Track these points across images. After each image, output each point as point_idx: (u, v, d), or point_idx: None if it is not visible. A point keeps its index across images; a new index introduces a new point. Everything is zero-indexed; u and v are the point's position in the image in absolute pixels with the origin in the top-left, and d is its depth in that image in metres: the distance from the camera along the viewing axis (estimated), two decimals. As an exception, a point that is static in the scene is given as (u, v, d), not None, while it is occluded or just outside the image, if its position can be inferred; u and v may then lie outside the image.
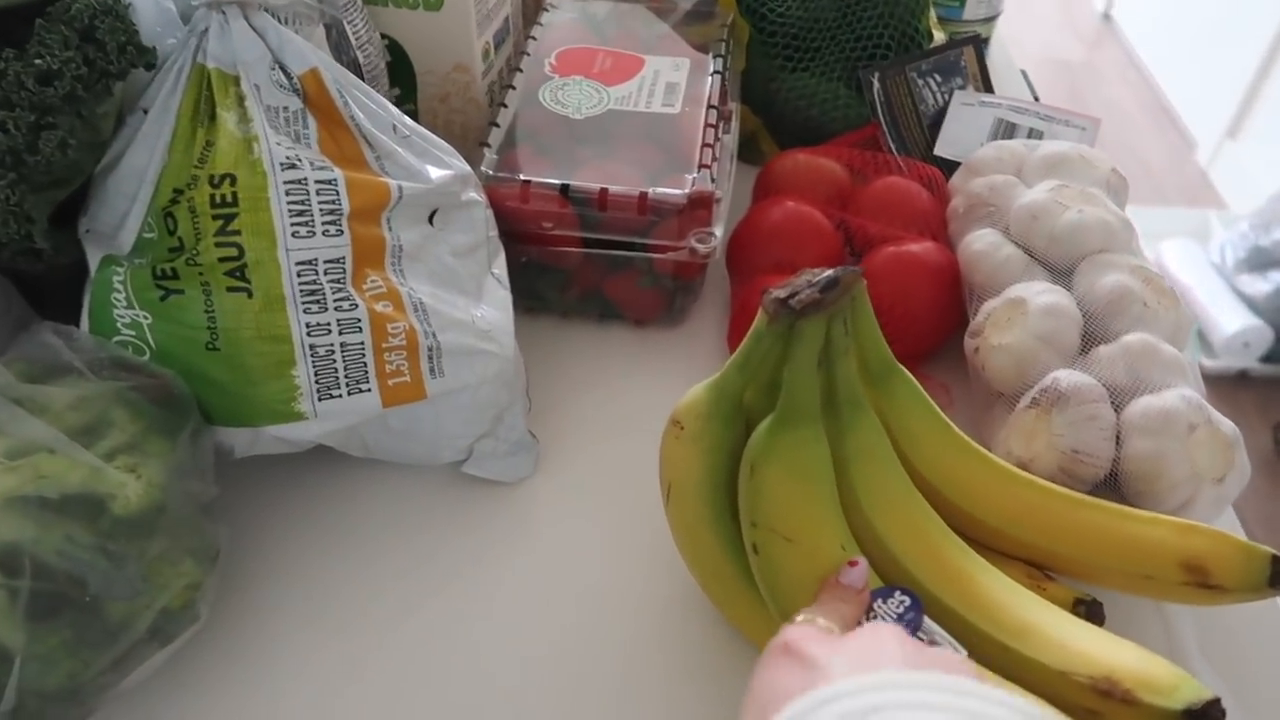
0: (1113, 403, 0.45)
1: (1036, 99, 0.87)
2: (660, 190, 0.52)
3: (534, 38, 0.65)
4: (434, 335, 0.44)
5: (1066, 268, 0.52)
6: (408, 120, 0.47)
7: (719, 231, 0.53)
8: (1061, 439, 0.44)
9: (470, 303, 0.47)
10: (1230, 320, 1.89)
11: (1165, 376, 0.45)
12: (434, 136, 0.48)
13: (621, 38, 0.67)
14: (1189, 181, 2.44)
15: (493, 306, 0.48)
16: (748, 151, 0.72)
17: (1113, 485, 0.44)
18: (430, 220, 0.46)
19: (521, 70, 0.61)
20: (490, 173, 0.54)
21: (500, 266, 0.50)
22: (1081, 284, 0.51)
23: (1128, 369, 0.45)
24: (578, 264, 0.56)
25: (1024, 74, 0.90)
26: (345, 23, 0.52)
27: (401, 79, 0.60)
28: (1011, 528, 0.40)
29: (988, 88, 0.70)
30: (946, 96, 0.69)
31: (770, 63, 0.69)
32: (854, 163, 0.64)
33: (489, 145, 0.55)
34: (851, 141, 0.68)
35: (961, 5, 0.81)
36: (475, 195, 0.49)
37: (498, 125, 0.57)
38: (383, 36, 0.58)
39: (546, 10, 0.68)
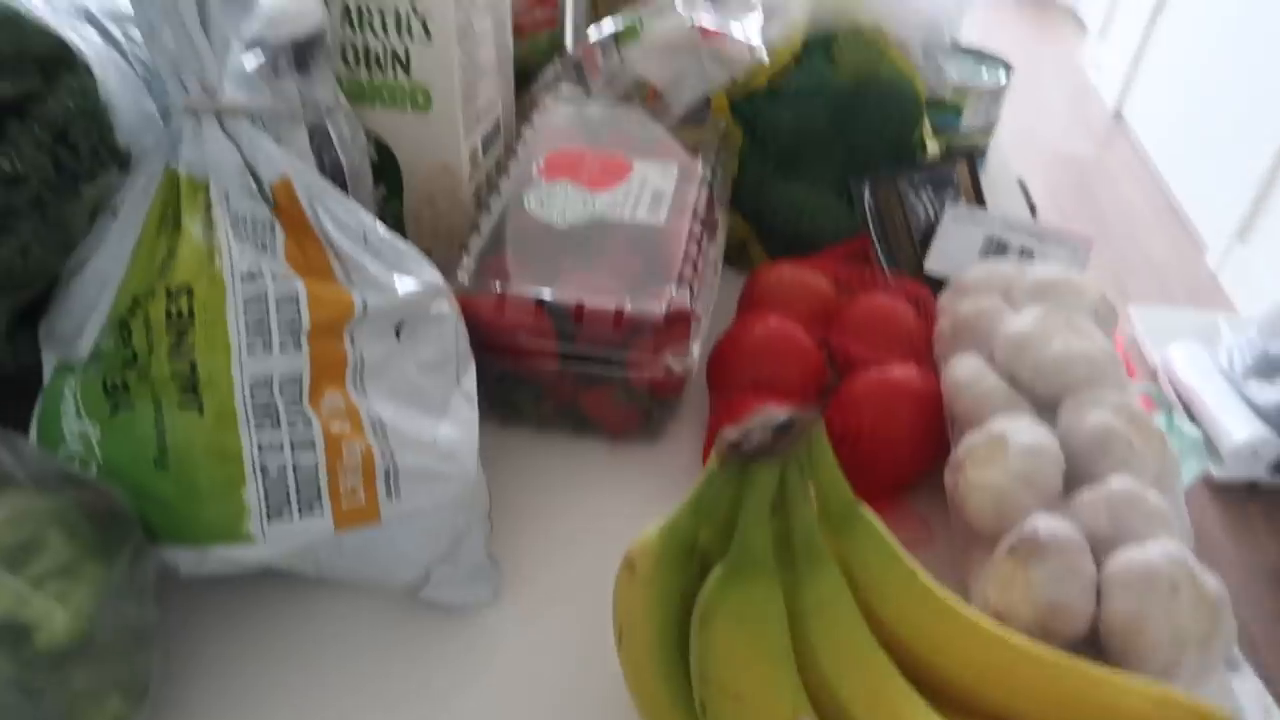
0: (1094, 553, 0.43)
1: (1034, 209, 0.87)
2: (637, 306, 0.52)
3: (524, 139, 0.65)
4: (392, 456, 0.43)
5: (1051, 401, 0.51)
6: (381, 229, 0.47)
7: (696, 350, 0.52)
8: (1039, 592, 0.42)
9: (433, 421, 0.45)
10: (1239, 429, 1.86)
11: (1149, 527, 0.43)
12: (407, 246, 0.47)
13: (615, 139, 0.67)
14: (1197, 283, 2.44)
15: (457, 425, 0.46)
16: (737, 258, 0.71)
17: (1093, 643, 0.42)
18: (397, 334, 0.45)
19: (508, 173, 0.61)
20: (466, 282, 0.53)
21: (469, 382, 0.49)
22: (1065, 421, 0.49)
23: (1110, 518, 0.44)
24: (553, 377, 0.55)
25: (1022, 184, 0.89)
26: (329, 124, 0.52)
27: (388, 178, 0.60)
28: (980, 687, 0.38)
29: (980, 202, 0.70)
30: (939, 210, 0.69)
31: (761, 171, 0.69)
32: (841, 277, 0.63)
33: (467, 251, 0.55)
34: (841, 253, 0.67)
35: (958, 116, 0.81)
36: (446, 308, 0.48)
37: (479, 231, 0.56)
38: (369, 136, 0.58)
39: (540, 111, 0.68)
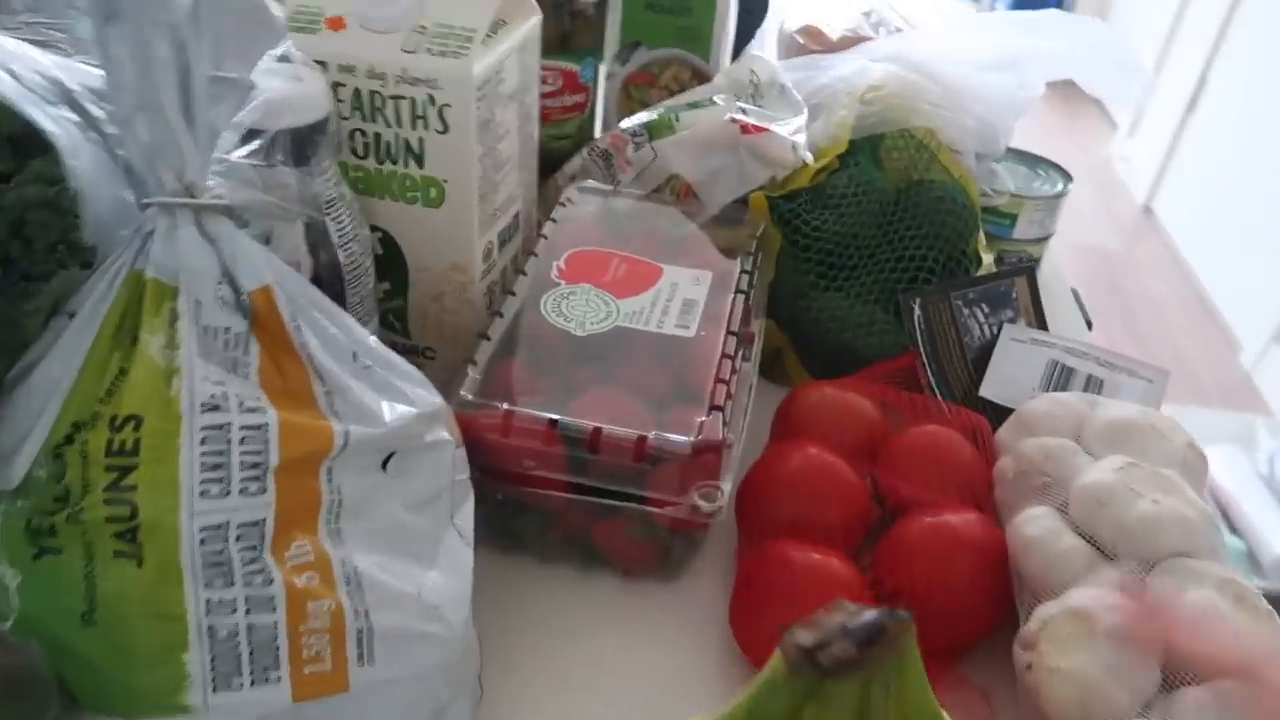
0: None
1: (1090, 323, 0.81)
2: (662, 436, 0.45)
3: (545, 236, 0.59)
4: (367, 614, 0.36)
5: (1138, 569, 0.44)
6: (373, 343, 0.41)
7: (727, 486, 0.46)
8: None
9: (420, 568, 0.39)
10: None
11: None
12: (403, 364, 0.42)
13: (642, 239, 0.62)
14: (1232, 383, 2.36)
15: (448, 571, 0.40)
16: (772, 370, 0.65)
17: None
18: (384, 466, 0.39)
19: (525, 273, 0.55)
20: (470, 397, 0.47)
21: (465, 516, 0.43)
22: (1160, 596, 0.42)
23: None
24: (562, 505, 0.48)
25: (1076, 296, 0.84)
26: (328, 220, 0.47)
27: (392, 274, 0.55)
28: None
29: (1040, 323, 0.64)
30: (995, 330, 0.62)
31: (801, 279, 0.64)
32: (889, 401, 0.57)
33: (474, 363, 0.49)
34: (886, 371, 0.61)
35: (1012, 224, 0.76)
36: (444, 434, 0.42)
37: (488, 338, 0.51)
38: (375, 229, 0.53)
39: (563, 205, 0.63)
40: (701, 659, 0.48)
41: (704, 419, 0.47)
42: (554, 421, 0.46)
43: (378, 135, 0.50)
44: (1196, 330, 2.54)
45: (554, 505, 0.48)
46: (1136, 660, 0.39)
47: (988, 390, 0.60)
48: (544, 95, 0.70)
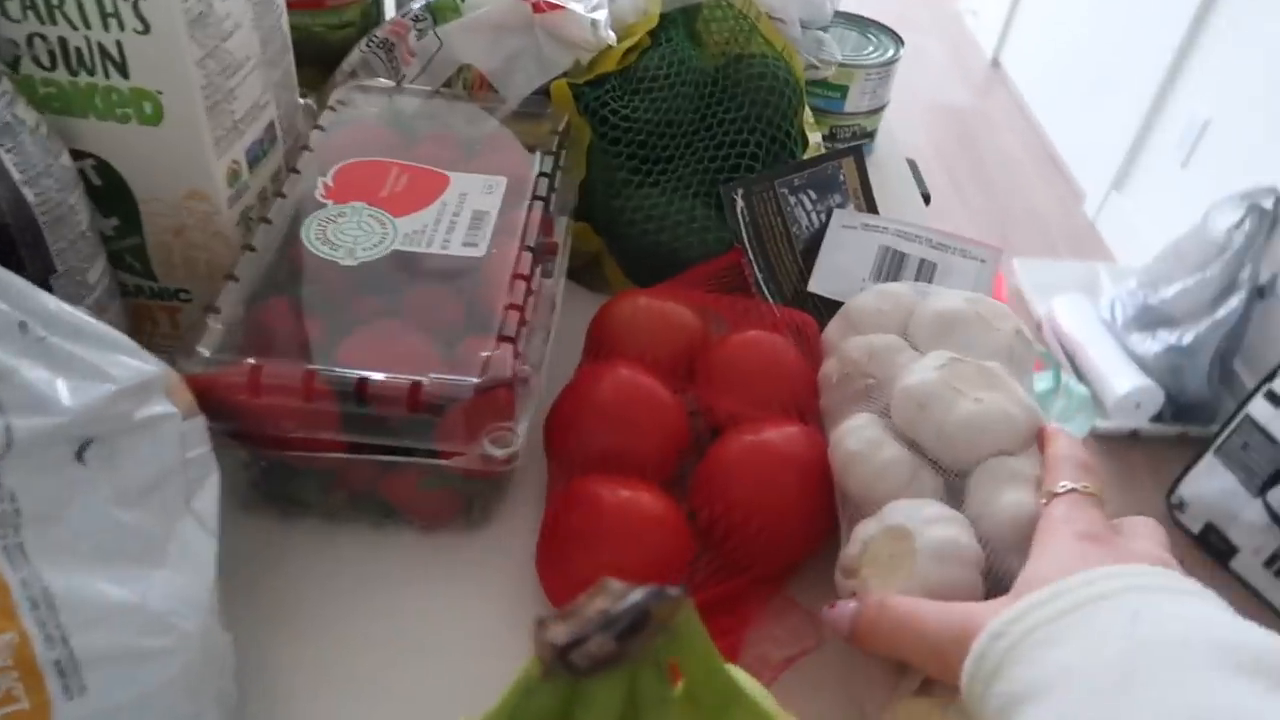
0: None
1: (927, 195, 0.78)
2: (438, 380, 0.39)
3: (310, 148, 0.51)
4: (65, 641, 0.30)
5: (963, 470, 0.41)
6: (56, 307, 0.33)
7: (524, 428, 0.41)
8: None
9: (142, 570, 0.33)
10: (1122, 381, 1.87)
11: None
12: (99, 328, 0.34)
13: (434, 144, 0.54)
14: (1078, 232, 2.44)
15: (182, 567, 0.34)
16: (590, 278, 0.60)
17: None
18: (80, 457, 0.32)
19: (284, 194, 0.48)
20: (207, 353, 0.40)
21: (207, 498, 0.36)
22: (976, 501, 0.40)
23: None
24: (341, 464, 0.43)
25: (913, 167, 0.80)
26: (1, 151, 0.38)
27: (118, 207, 0.46)
28: None
29: (870, 205, 0.60)
30: (823, 217, 0.58)
31: (613, 175, 0.57)
32: (711, 306, 0.52)
33: (216, 310, 0.41)
34: (711, 273, 0.56)
35: (843, 97, 0.71)
36: (162, 407, 0.35)
37: (235, 279, 0.43)
38: (84, 155, 0.44)
39: (333, 109, 0.54)
40: (513, 612, 0.44)
41: (489, 354, 0.41)
42: (312, 373, 0.39)
43: (63, 40, 0.41)
44: (1045, 182, 2.60)
45: (331, 464, 0.43)
46: (959, 574, 0.37)
47: (817, 284, 0.56)
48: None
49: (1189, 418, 1.86)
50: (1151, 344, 1.89)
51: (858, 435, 0.42)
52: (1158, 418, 1.87)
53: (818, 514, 0.43)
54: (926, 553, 0.37)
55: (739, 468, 0.43)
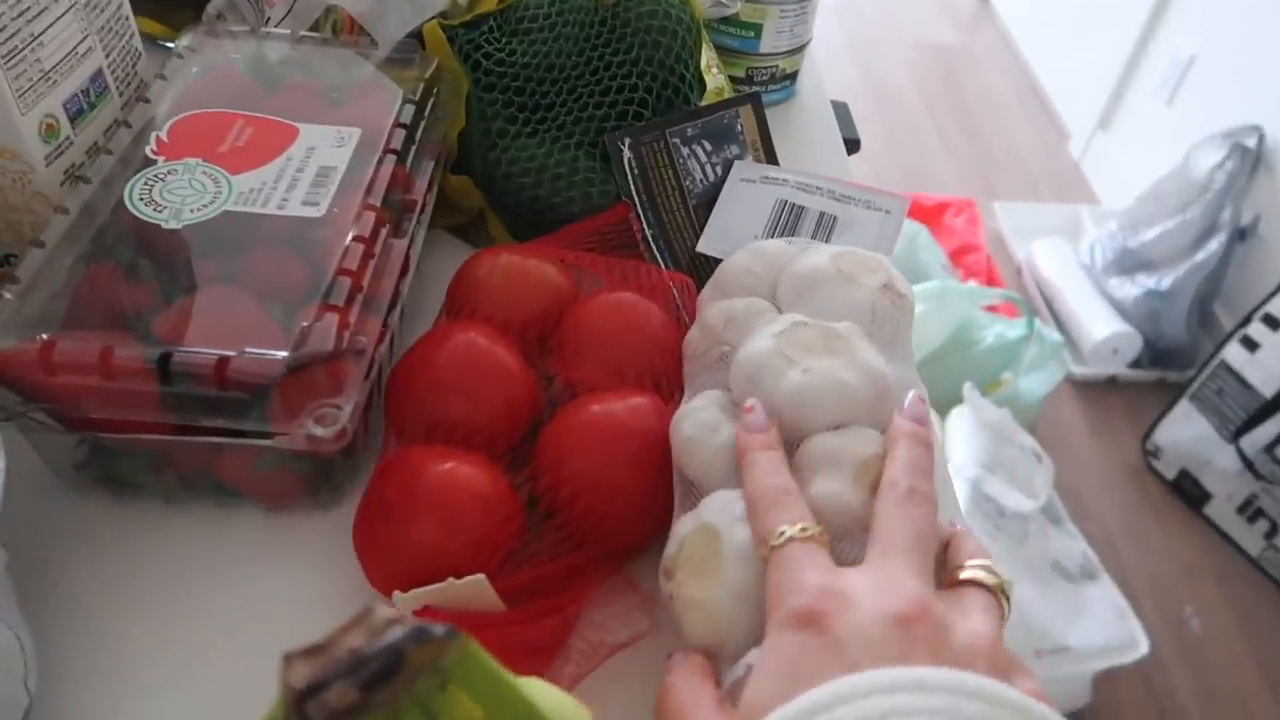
0: None
1: (855, 144, 0.74)
2: (246, 355, 0.36)
3: (148, 99, 0.47)
4: None
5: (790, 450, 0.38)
6: None
7: (350, 406, 0.38)
8: None
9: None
10: (1099, 326, 1.84)
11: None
12: None
13: (294, 93, 0.51)
14: (1062, 173, 2.39)
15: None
16: (475, 235, 0.56)
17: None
18: None
19: (110, 151, 0.44)
20: (-3, 328, 0.37)
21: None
22: (797, 484, 0.36)
23: None
24: (165, 445, 0.40)
25: (841, 108, 0.76)
26: None
27: (-73, 168, 0.43)
28: None
29: (770, 157, 0.56)
30: (719, 170, 0.55)
31: (490, 124, 0.54)
32: (585, 266, 0.49)
33: (14, 280, 0.38)
34: (596, 229, 0.53)
35: (757, 36, 0.67)
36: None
37: (42, 244, 0.40)
38: (-121, 112, 0.41)
39: (180, 57, 0.50)
40: (354, 593, 0.41)
41: (308, 325, 0.38)
42: (109, 349, 0.36)
43: None
44: (1029, 122, 2.54)
45: (155, 445, 0.40)
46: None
47: (706, 244, 0.52)
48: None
49: (1167, 363, 1.84)
50: (1130, 288, 1.85)
51: (694, 418, 0.39)
52: (1136, 364, 1.84)
53: (662, 492, 0.40)
54: (732, 555, 0.33)
55: (577, 440, 0.40)
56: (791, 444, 0.37)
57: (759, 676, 0.29)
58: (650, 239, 0.53)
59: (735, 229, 0.52)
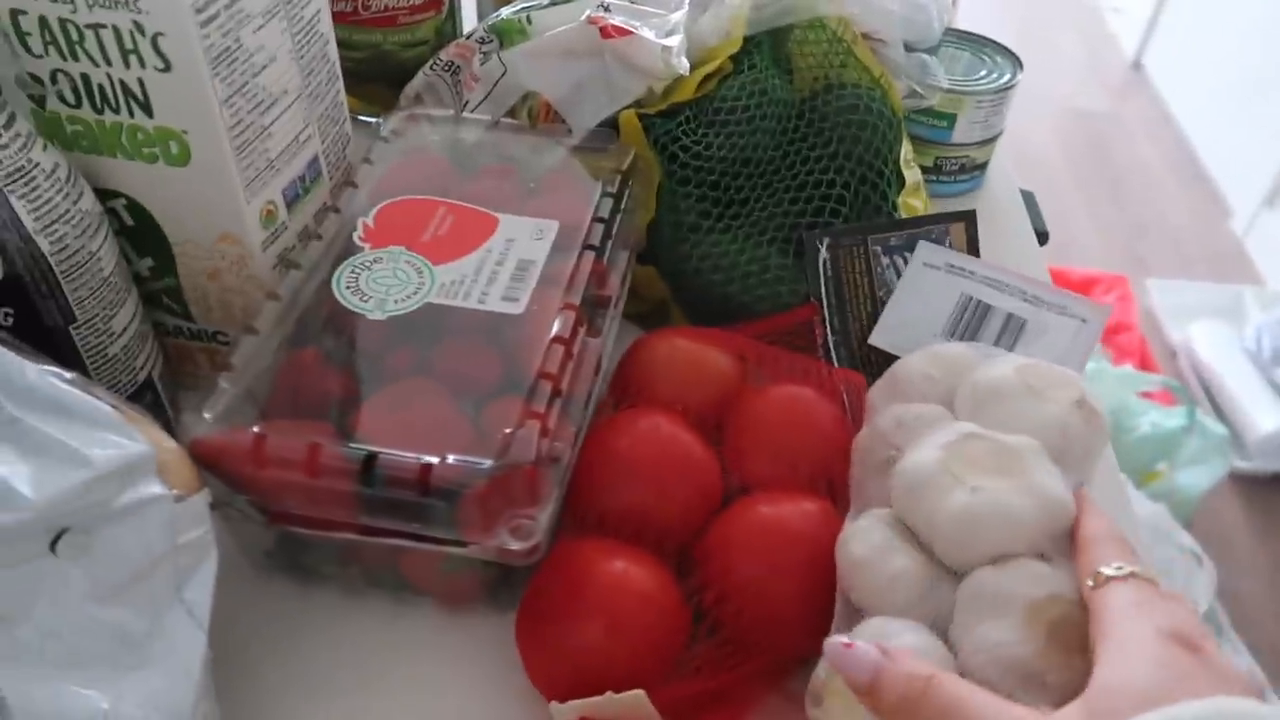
0: None
1: (1044, 234, 0.70)
2: (449, 463, 0.36)
3: (355, 184, 0.48)
4: (17, 761, 0.27)
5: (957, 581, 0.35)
6: (38, 378, 0.31)
7: (545, 517, 0.36)
8: None
9: (112, 675, 0.30)
10: (1266, 418, 1.71)
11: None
12: (85, 402, 0.31)
13: (491, 177, 0.51)
14: (1222, 252, 2.25)
15: (165, 667, 0.31)
16: (657, 326, 0.55)
17: None
18: (53, 548, 0.30)
19: (319, 236, 0.45)
20: (211, 417, 0.37)
21: (200, 586, 0.33)
22: (956, 628, 0.33)
23: None
24: (358, 536, 0.39)
25: (1028, 198, 0.72)
26: (13, 198, 0.36)
27: (152, 248, 0.44)
28: None
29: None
30: (916, 278, 0.52)
31: (682, 217, 0.53)
32: (751, 356, 0.47)
33: (230, 367, 0.39)
34: (777, 327, 0.50)
35: (950, 126, 0.64)
36: (152, 489, 0.32)
37: (255, 331, 0.40)
38: (116, 195, 0.42)
39: (385, 140, 0.51)
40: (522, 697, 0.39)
41: (511, 431, 0.37)
42: (317, 446, 0.36)
43: (85, 76, 0.38)
44: (1185, 196, 2.41)
45: (345, 540, 0.39)
46: None
47: (880, 336, 0.49)
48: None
49: (1342, 460, 1.69)
50: (1302, 377, 1.72)
51: (864, 538, 0.36)
52: (1307, 460, 1.70)
53: (829, 602, 0.37)
54: (892, 708, 0.30)
55: (746, 544, 0.38)
56: (956, 572, 0.34)
57: (1119, 664, 0.28)
58: (832, 345, 0.50)
59: (913, 323, 0.49)
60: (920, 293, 0.50)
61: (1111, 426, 1.51)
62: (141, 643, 0.31)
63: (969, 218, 0.51)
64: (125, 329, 0.42)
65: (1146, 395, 1.56)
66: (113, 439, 0.31)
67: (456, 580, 0.41)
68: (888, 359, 0.46)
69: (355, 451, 0.36)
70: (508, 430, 0.37)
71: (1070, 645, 0.31)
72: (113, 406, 0.33)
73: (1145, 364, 1.83)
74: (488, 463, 0.36)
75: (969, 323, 0.49)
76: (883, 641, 0.31)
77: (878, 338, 0.49)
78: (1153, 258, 2.22)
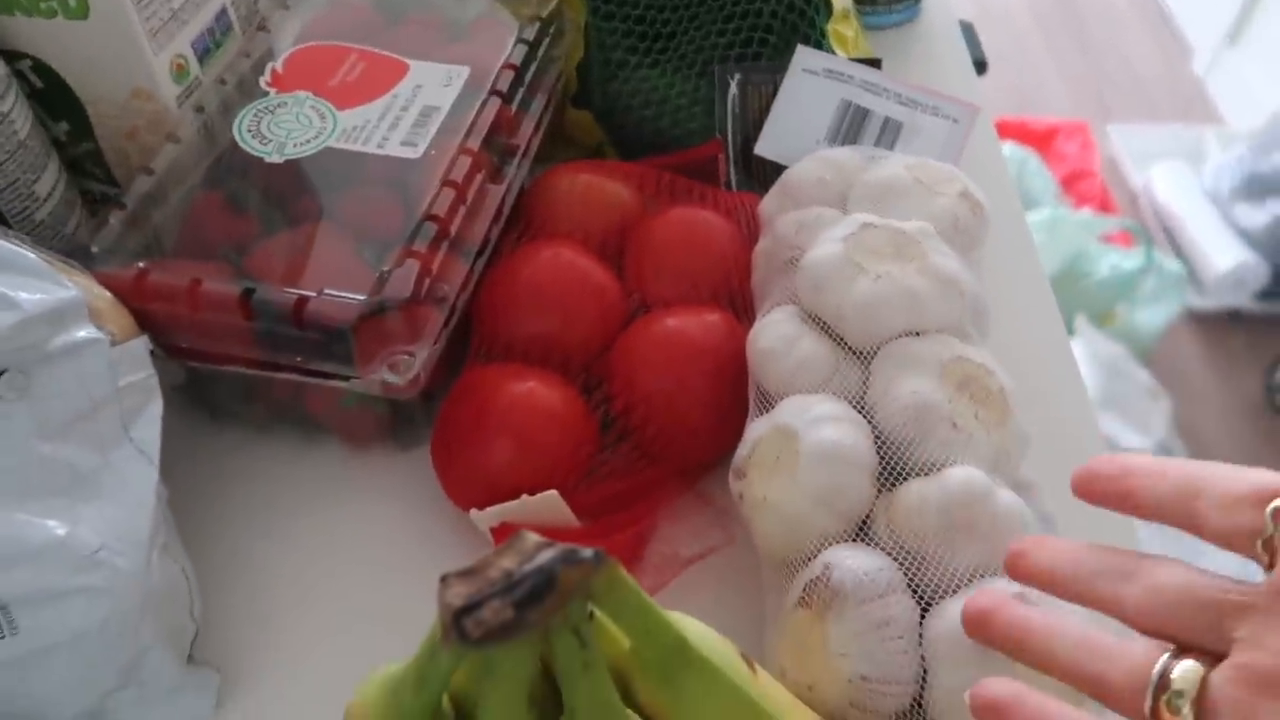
0: (914, 584, 0.31)
1: (983, 64, 0.70)
2: (324, 298, 0.36)
3: (267, 29, 0.47)
4: (-18, 583, 0.29)
5: (865, 357, 0.37)
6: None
7: (424, 353, 0.37)
8: (844, 661, 0.30)
9: (67, 505, 0.31)
10: (1223, 256, 1.73)
11: (994, 542, 0.30)
12: (11, 252, 0.32)
13: (415, 26, 0.50)
14: (1184, 93, 2.23)
15: (118, 500, 0.32)
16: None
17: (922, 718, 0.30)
18: (-8, 390, 0.31)
19: (225, 82, 0.44)
20: (98, 250, 0.37)
21: (147, 425, 0.34)
22: (874, 391, 0.35)
23: (940, 533, 0.31)
24: (253, 377, 0.40)
25: (967, 28, 0.72)
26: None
27: (67, 111, 0.43)
28: None
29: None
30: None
31: (609, 54, 0.52)
32: (647, 186, 0.48)
33: (121, 206, 0.39)
34: (684, 161, 0.50)
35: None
36: (85, 332, 0.33)
37: (150, 172, 0.40)
38: (24, 56, 0.41)
39: (302, -13, 0.50)
40: (444, 526, 0.41)
41: (387, 269, 0.38)
42: (197, 281, 0.36)
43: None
44: (1149, 37, 2.38)
45: (243, 376, 0.40)
46: (845, 479, 0.33)
47: (765, 146, 0.49)
48: None
49: (1297, 295, 1.73)
50: (1259, 215, 1.74)
51: (772, 331, 0.37)
52: (1262, 295, 1.74)
53: (734, 409, 0.39)
54: (809, 454, 0.33)
55: (650, 357, 0.40)
56: (861, 353, 0.36)
57: None
58: (733, 181, 0.50)
59: (795, 131, 0.49)
60: (801, 100, 0.50)
61: (1071, 272, 1.53)
62: (92, 477, 0.32)
63: (875, 64, 0.51)
64: (50, 194, 0.42)
65: (1106, 238, 1.58)
66: (41, 284, 0.32)
67: (357, 416, 0.42)
68: (769, 165, 0.47)
69: (234, 285, 0.36)
70: (385, 269, 0.38)
71: (977, 398, 0.34)
72: (41, 258, 0.34)
73: (1106, 209, 1.84)
74: (362, 298, 0.36)
75: (849, 127, 0.50)
76: (807, 416, 0.33)
77: (763, 147, 0.49)
78: (1116, 103, 2.20)
